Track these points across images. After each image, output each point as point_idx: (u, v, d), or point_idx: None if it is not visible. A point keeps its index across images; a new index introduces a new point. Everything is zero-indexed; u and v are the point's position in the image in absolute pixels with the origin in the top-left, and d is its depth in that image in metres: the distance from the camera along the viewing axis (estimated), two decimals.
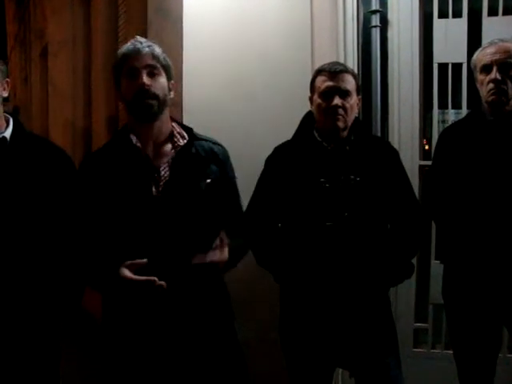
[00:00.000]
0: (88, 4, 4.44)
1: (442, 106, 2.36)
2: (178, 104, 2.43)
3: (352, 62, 2.30)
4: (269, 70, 2.29)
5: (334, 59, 2.09)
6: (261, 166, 1.72)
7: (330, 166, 1.62)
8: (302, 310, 1.64)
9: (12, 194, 1.45)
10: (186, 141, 1.47)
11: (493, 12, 2.27)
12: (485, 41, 2.25)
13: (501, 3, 2.26)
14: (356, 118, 1.69)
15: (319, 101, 1.63)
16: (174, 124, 1.51)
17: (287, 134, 1.76)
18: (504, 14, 2.26)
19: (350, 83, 1.63)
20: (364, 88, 2.38)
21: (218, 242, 1.37)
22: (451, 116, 2.38)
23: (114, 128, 3.87)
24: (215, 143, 1.53)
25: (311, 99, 1.70)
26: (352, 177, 1.59)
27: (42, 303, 1.51)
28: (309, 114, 1.73)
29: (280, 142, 1.76)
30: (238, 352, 1.54)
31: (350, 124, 1.65)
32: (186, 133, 1.49)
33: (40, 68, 6.14)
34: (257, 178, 1.70)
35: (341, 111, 1.60)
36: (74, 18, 4.69)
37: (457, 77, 2.31)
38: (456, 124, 1.90)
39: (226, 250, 1.38)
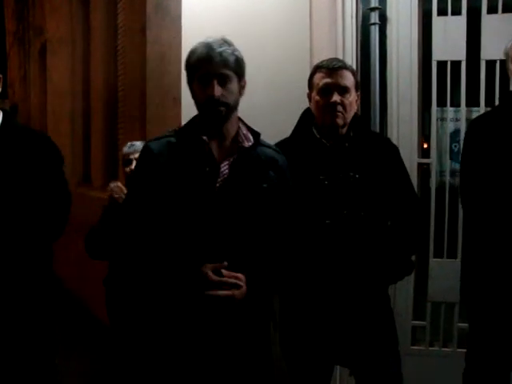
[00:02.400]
0: (87, 1, 4.43)
1: (441, 103, 2.36)
2: (177, 100, 2.44)
3: (351, 59, 2.30)
4: (267, 67, 2.29)
5: (332, 56, 2.09)
6: None
7: (328, 163, 1.61)
8: (302, 308, 1.64)
9: (3, 180, 1.54)
10: (250, 144, 1.48)
11: (492, 9, 2.26)
12: (484, 39, 2.26)
13: (500, 1, 2.25)
14: (355, 115, 1.68)
15: (318, 98, 1.62)
16: (241, 125, 1.51)
17: (286, 130, 1.76)
18: (504, 11, 2.25)
19: (348, 79, 1.62)
20: (363, 85, 2.37)
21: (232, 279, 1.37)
22: (450, 114, 2.38)
23: (113, 125, 3.87)
24: (276, 151, 1.54)
25: (309, 96, 1.69)
26: (351, 174, 1.59)
27: (31, 289, 1.55)
28: (307, 111, 1.72)
29: (278, 139, 1.75)
30: (269, 360, 1.52)
31: (349, 121, 1.64)
32: (253, 136, 1.50)
33: (39, 65, 6.14)
34: None
35: (340, 108, 1.59)
36: (72, 15, 4.68)
37: (456, 74, 2.31)
38: (486, 115, 1.84)
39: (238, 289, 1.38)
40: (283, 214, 1.49)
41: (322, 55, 1.99)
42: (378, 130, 2.34)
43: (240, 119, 1.52)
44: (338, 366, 2.21)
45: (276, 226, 1.48)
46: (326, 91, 1.60)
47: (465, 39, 2.27)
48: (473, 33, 2.27)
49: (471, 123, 1.85)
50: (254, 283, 1.41)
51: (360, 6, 2.37)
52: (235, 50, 1.45)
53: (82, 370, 2.84)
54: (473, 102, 2.31)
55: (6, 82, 1.82)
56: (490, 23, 2.24)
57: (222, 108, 1.42)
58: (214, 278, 1.35)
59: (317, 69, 1.66)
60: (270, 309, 1.53)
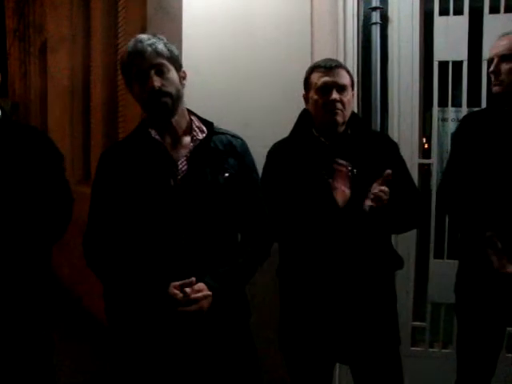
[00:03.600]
0: (87, 0, 4.42)
1: (442, 103, 2.35)
2: None
3: (352, 59, 2.29)
4: (268, 66, 2.28)
5: (333, 56, 2.09)
6: (259, 161, 1.72)
7: (327, 159, 1.63)
8: (302, 307, 1.64)
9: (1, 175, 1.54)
10: (204, 135, 1.47)
11: (494, 10, 2.25)
12: (486, 39, 2.25)
13: (502, 1, 2.24)
14: (353, 113, 1.71)
15: (316, 97, 1.63)
16: (193, 117, 1.51)
17: (286, 129, 1.76)
18: (506, 11, 2.24)
19: (345, 78, 1.64)
20: (364, 85, 2.37)
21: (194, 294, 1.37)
22: (451, 114, 2.37)
23: (113, 125, 3.87)
24: (234, 136, 1.53)
25: (306, 97, 1.70)
26: (349, 168, 1.60)
27: (29, 288, 1.54)
28: (304, 112, 1.73)
29: (278, 137, 1.76)
30: (252, 351, 1.53)
31: (347, 119, 1.66)
32: (206, 127, 1.49)
33: (39, 64, 6.13)
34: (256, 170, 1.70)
35: (339, 106, 1.61)
36: (73, 13, 4.67)
37: (457, 75, 2.30)
38: (476, 113, 1.87)
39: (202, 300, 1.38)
40: (248, 198, 1.49)
41: (323, 55, 1.99)
42: (378, 130, 2.33)
43: (191, 112, 1.52)
44: (338, 367, 2.21)
45: (241, 213, 1.48)
46: (324, 90, 1.62)
47: (466, 39, 2.26)
48: (475, 33, 2.26)
49: (461, 120, 1.87)
50: (220, 281, 1.40)
51: (361, 5, 2.36)
52: (167, 43, 1.45)
53: (79, 369, 2.83)
54: (474, 102, 2.30)
55: (6, 80, 1.82)
56: (492, 23, 2.23)
57: (166, 99, 1.40)
58: (182, 297, 1.35)
59: (313, 69, 1.67)
60: (243, 302, 1.53)
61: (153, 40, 1.42)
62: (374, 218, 1.56)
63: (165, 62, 1.42)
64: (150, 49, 1.40)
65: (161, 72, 1.41)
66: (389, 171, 1.53)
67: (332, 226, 1.58)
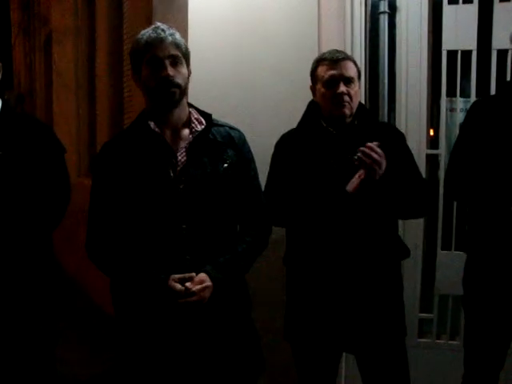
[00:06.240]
0: None
1: (451, 93, 2.32)
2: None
3: (359, 49, 2.27)
4: (274, 57, 2.27)
5: (341, 46, 2.07)
6: (265, 152, 1.71)
7: (335, 149, 1.64)
8: (309, 295, 1.65)
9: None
10: (203, 126, 1.48)
11: None
12: (496, 28, 2.22)
13: None
14: (360, 104, 1.71)
15: (323, 90, 1.64)
16: (191, 110, 1.52)
17: (292, 120, 1.75)
18: None
19: (352, 70, 1.65)
20: (371, 76, 2.35)
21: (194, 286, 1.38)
22: (459, 104, 2.35)
23: (118, 116, 3.87)
24: (232, 128, 1.54)
25: (313, 89, 1.71)
26: (355, 157, 1.60)
27: (31, 277, 1.57)
28: (312, 103, 1.74)
29: (284, 128, 1.77)
30: (255, 342, 1.54)
31: (354, 110, 1.66)
32: (205, 118, 1.51)
33: (44, 56, 6.13)
34: (261, 163, 1.69)
35: (346, 98, 1.62)
36: (77, 4, 4.66)
37: (466, 64, 2.27)
38: (486, 99, 1.85)
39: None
40: (246, 189, 1.50)
41: (330, 45, 1.97)
42: (386, 120, 2.32)
43: (190, 104, 1.53)
44: (344, 357, 2.22)
45: (239, 203, 1.49)
46: (331, 83, 1.62)
47: (476, 28, 2.23)
48: (484, 22, 2.23)
49: (471, 106, 1.84)
50: (222, 271, 1.41)
51: None
52: (181, 37, 1.47)
53: (82, 360, 2.85)
54: (483, 92, 2.28)
55: (11, 72, 1.84)
56: (503, 12, 2.20)
57: (176, 89, 1.42)
58: (181, 288, 1.36)
59: (319, 61, 1.67)
60: (244, 291, 1.53)
61: (172, 31, 1.45)
62: (371, 188, 1.55)
63: (180, 54, 1.44)
64: (170, 38, 1.42)
65: (175, 63, 1.43)
66: (375, 143, 1.54)
67: (340, 212, 1.58)
